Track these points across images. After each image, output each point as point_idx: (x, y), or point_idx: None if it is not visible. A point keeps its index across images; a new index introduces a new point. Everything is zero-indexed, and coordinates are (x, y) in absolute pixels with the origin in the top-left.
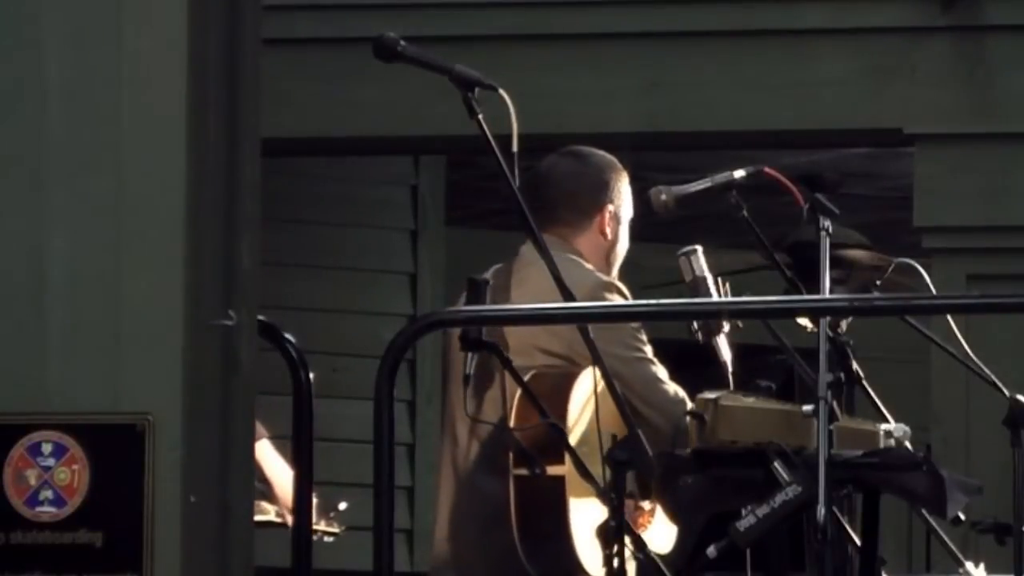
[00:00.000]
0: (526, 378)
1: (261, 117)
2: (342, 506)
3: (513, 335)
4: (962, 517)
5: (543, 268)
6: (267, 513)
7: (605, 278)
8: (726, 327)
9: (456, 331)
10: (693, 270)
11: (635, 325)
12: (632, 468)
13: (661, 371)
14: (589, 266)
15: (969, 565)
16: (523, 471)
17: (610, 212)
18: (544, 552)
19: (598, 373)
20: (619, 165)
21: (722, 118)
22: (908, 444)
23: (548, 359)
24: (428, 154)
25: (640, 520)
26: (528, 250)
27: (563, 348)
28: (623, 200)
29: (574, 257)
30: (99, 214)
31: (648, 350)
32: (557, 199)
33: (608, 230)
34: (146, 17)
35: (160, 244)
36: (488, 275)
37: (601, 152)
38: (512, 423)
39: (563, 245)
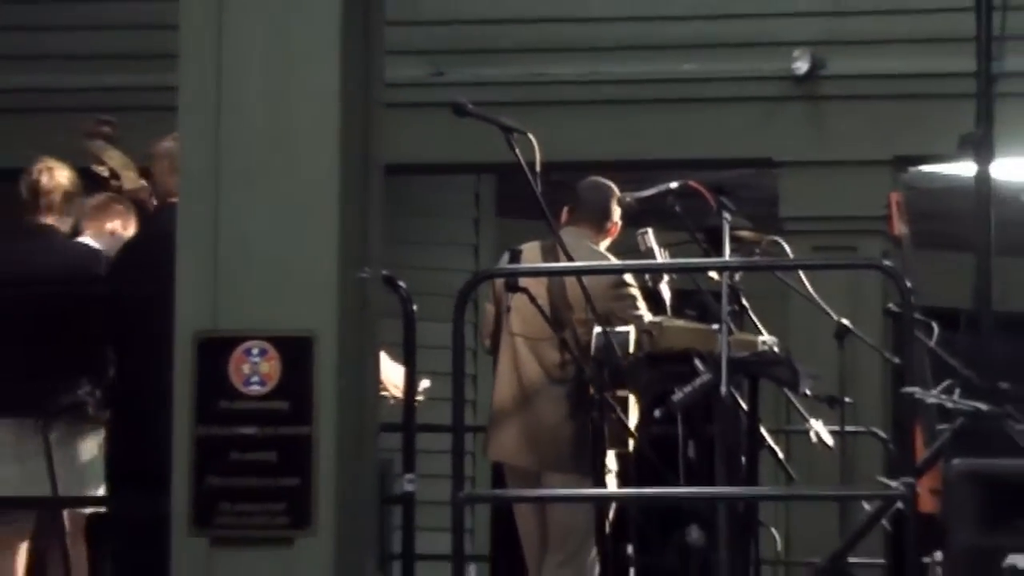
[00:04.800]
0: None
1: (386, 145)
2: (425, 383)
3: (573, 298)
4: (808, 392)
5: (581, 246)
6: None
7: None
8: (666, 278)
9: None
10: (647, 243)
11: (634, 291)
12: (608, 365)
13: (643, 309)
14: (606, 253)
15: (812, 421)
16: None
17: (615, 223)
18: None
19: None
20: (617, 192)
21: (660, 151)
22: (776, 349)
23: (591, 314)
24: (485, 172)
25: None
26: (566, 233)
27: (601, 308)
28: (618, 215)
29: (592, 245)
30: (282, 205)
31: (637, 297)
32: (589, 211)
33: (612, 234)
34: (307, 59)
35: (323, 226)
36: (524, 247)
37: (610, 184)
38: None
39: (590, 237)
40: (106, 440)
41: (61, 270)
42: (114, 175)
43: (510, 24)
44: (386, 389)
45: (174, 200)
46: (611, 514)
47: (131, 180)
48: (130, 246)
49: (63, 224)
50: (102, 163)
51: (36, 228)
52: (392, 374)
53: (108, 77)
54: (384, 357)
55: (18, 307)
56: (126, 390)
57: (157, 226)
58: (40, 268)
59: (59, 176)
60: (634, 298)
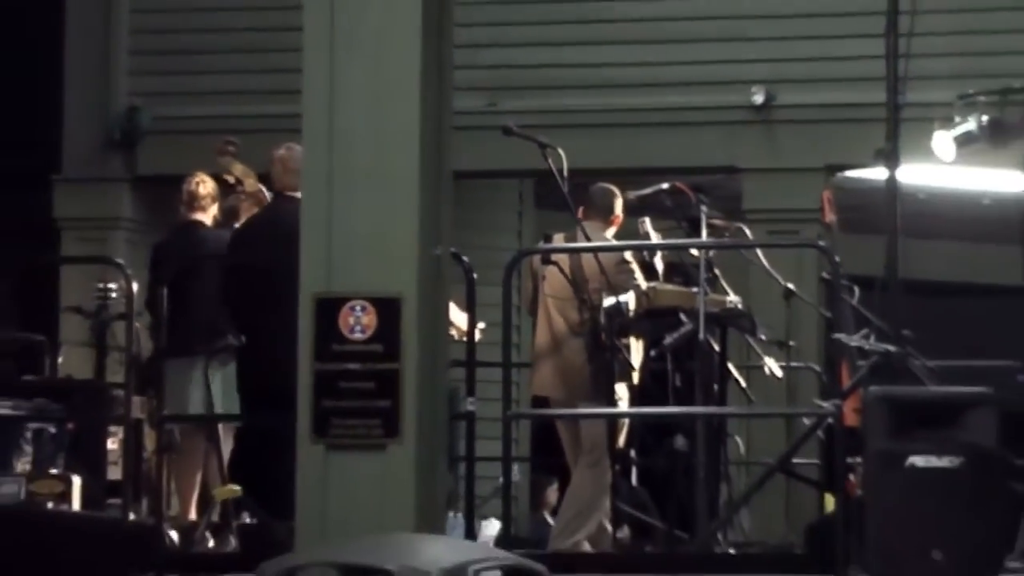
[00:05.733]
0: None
1: (453, 156)
2: (482, 324)
3: (589, 271)
4: (764, 337)
5: (595, 236)
6: None
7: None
8: (659, 254)
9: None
10: (645, 229)
11: (634, 266)
12: (617, 316)
13: (639, 278)
14: (612, 240)
15: (766, 358)
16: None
17: (617, 216)
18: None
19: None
20: (619, 193)
21: (654, 161)
22: (740, 306)
23: (602, 284)
24: (525, 177)
25: None
26: (587, 226)
27: (610, 279)
28: (620, 210)
29: (602, 234)
30: (378, 199)
31: (636, 270)
32: (598, 208)
33: (615, 224)
34: (397, 93)
35: (408, 215)
36: (556, 235)
37: (614, 188)
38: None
39: (602, 227)
40: (241, 371)
41: (211, 250)
42: (238, 181)
43: (544, 68)
44: (454, 328)
45: (288, 194)
46: (624, 430)
47: (251, 185)
48: (253, 222)
49: (206, 219)
50: (229, 173)
51: (190, 223)
52: (457, 318)
53: (234, 107)
54: (452, 306)
55: (182, 278)
56: (262, 335)
57: (273, 210)
58: (194, 250)
59: (208, 186)
60: (633, 271)
